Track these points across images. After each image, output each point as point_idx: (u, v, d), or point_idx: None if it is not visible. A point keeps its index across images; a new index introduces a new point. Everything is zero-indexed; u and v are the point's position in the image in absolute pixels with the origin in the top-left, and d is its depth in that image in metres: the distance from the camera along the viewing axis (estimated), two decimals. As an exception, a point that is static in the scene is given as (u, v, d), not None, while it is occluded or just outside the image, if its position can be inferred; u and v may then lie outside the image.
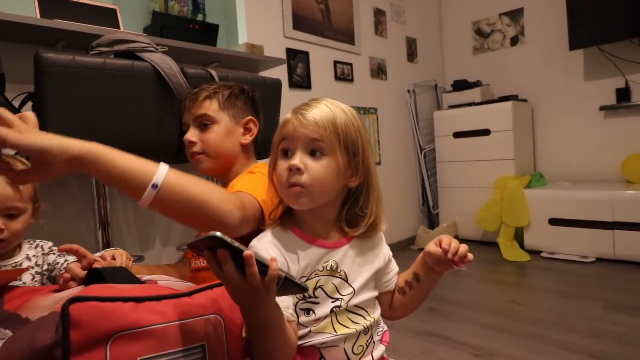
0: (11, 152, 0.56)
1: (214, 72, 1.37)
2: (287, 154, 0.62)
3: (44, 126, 1.03)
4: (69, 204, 1.50)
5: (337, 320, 0.62)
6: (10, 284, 0.80)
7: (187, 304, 0.54)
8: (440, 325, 1.67)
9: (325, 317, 0.61)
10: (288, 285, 0.49)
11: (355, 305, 0.64)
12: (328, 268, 0.62)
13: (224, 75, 1.38)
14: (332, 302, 0.62)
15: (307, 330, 0.61)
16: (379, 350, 0.66)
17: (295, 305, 0.61)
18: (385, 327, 0.70)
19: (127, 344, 0.46)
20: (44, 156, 0.54)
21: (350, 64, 2.74)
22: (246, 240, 0.71)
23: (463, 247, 0.62)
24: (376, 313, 0.67)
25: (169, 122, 1.28)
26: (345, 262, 0.64)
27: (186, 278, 0.98)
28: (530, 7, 3.12)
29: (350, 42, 2.74)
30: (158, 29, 1.79)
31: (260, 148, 1.04)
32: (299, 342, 0.60)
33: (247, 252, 0.45)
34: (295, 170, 0.59)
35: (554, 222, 2.57)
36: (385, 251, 0.70)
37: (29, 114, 0.58)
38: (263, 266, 0.47)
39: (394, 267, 0.72)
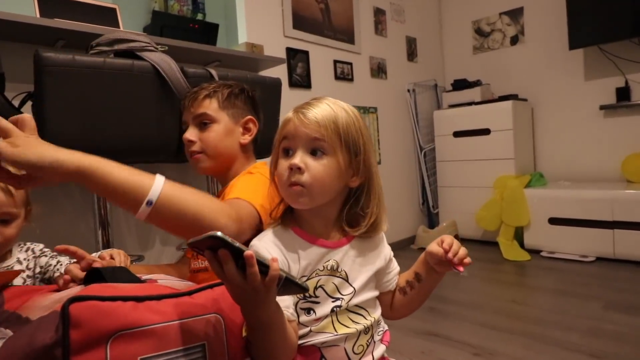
0: None
1: (213, 72, 1.37)
2: (288, 153, 0.62)
3: (43, 126, 1.03)
4: (69, 203, 1.50)
5: (337, 319, 0.62)
6: (20, 275, 0.80)
7: (187, 304, 0.54)
8: (441, 325, 1.67)
9: (326, 316, 0.61)
10: (289, 285, 0.49)
11: (356, 305, 0.64)
12: (329, 268, 0.62)
13: (224, 74, 1.38)
14: (333, 301, 0.62)
15: (307, 329, 0.61)
16: (380, 349, 0.66)
17: (296, 305, 0.61)
18: (386, 327, 0.70)
19: (128, 344, 0.46)
20: (38, 172, 0.55)
21: (350, 64, 2.74)
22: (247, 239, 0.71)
23: (463, 250, 0.62)
24: (377, 313, 0.67)
25: (169, 121, 1.27)
26: (346, 261, 0.64)
27: (185, 278, 0.98)
28: (531, 7, 3.12)
29: (350, 41, 2.74)
30: (158, 29, 1.79)
31: (260, 147, 1.04)
32: (300, 342, 0.60)
33: (248, 252, 0.45)
34: (296, 170, 0.59)
35: (554, 221, 2.57)
36: (386, 251, 0.70)
37: (26, 117, 0.58)
38: (264, 266, 0.47)
39: (395, 267, 0.72)
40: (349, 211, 0.65)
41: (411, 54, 3.27)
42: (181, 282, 0.71)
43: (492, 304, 1.88)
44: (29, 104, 1.22)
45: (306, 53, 2.45)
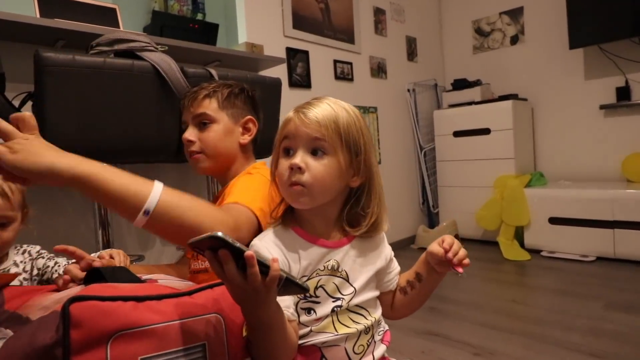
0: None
1: (213, 72, 1.37)
2: (288, 152, 0.62)
3: (44, 126, 1.03)
4: (70, 204, 1.50)
5: (338, 319, 0.62)
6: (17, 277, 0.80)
7: (187, 303, 0.54)
8: (441, 325, 1.67)
9: (326, 316, 0.61)
10: (289, 285, 0.49)
11: (357, 305, 0.64)
12: (329, 267, 0.62)
13: (224, 74, 1.38)
14: (333, 301, 0.62)
15: (307, 329, 0.61)
16: (380, 349, 0.66)
17: (296, 305, 0.61)
18: (387, 327, 0.70)
19: (128, 344, 0.46)
20: (36, 180, 0.55)
21: (350, 63, 2.74)
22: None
23: (463, 251, 0.63)
24: (377, 313, 0.67)
25: (169, 121, 1.27)
26: (347, 261, 0.64)
27: (185, 279, 0.98)
28: (530, 6, 3.12)
29: (350, 41, 2.74)
30: (158, 29, 1.79)
31: (260, 147, 1.04)
32: (300, 342, 0.60)
33: (248, 252, 0.45)
34: (296, 169, 0.59)
35: (554, 221, 2.57)
36: (386, 251, 0.70)
37: (27, 115, 0.58)
38: (264, 266, 0.47)
39: (396, 266, 0.72)
40: (350, 211, 0.65)
41: (411, 54, 3.27)
42: (181, 282, 0.71)
43: (493, 304, 1.88)
44: (29, 104, 1.22)
45: (306, 53, 2.45)
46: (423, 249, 2.95)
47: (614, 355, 1.34)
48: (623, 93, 2.71)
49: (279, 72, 2.19)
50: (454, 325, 1.66)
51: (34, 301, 0.59)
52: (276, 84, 1.57)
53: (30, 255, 0.89)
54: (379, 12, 2.98)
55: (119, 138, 1.19)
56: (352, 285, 0.63)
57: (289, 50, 2.35)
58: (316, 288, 0.61)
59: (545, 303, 1.86)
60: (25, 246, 0.91)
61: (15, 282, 0.83)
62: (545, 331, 1.55)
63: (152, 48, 1.29)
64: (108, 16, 1.63)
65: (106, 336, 0.45)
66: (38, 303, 0.57)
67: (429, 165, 3.24)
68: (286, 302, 0.59)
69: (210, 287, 0.58)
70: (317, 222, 0.64)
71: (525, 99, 3.08)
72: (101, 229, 1.37)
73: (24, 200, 0.87)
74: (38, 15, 1.42)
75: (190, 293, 0.56)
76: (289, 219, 0.65)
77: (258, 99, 1.04)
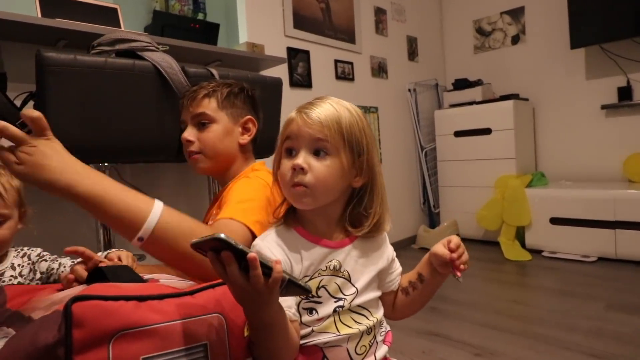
0: (6, 144, 0.57)
1: (214, 71, 1.37)
2: (291, 153, 0.62)
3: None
4: (71, 203, 1.50)
5: (340, 320, 0.61)
6: (10, 280, 0.80)
7: (189, 303, 0.54)
8: (442, 325, 1.67)
9: (328, 316, 0.61)
10: (291, 286, 0.49)
11: (359, 306, 0.63)
12: (331, 268, 0.62)
13: (225, 74, 1.38)
14: (335, 302, 0.62)
15: (309, 329, 0.61)
16: (382, 350, 0.66)
17: (298, 305, 0.61)
18: (388, 328, 0.70)
19: (130, 343, 0.46)
20: (41, 189, 0.58)
21: (351, 63, 2.74)
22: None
23: (466, 255, 0.63)
24: (379, 313, 0.67)
25: (170, 121, 1.27)
26: (349, 262, 0.64)
27: (186, 278, 0.98)
28: (532, 6, 3.11)
29: (350, 41, 2.74)
30: (159, 28, 1.79)
31: (261, 147, 1.04)
32: (302, 342, 0.60)
33: (251, 254, 0.45)
34: (299, 170, 0.59)
35: (555, 221, 2.57)
36: (388, 251, 0.70)
37: (36, 117, 0.57)
38: (267, 268, 0.47)
39: (398, 267, 0.71)
40: (352, 211, 0.65)
41: (412, 54, 3.26)
42: (183, 282, 0.71)
43: (493, 304, 1.88)
44: (31, 103, 1.22)
45: (307, 53, 2.45)
46: (424, 249, 2.97)
47: (615, 356, 1.34)
48: (625, 93, 2.71)
49: (280, 72, 2.19)
50: (455, 326, 1.66)
51: (36, 300, 0.59)
52: (277, 83, 1.57)
53: (29, 259, 0.88)
54: (379, 12, 2.98)
55: (120, 138, 1.19)
56: (354, 286, 0.63)
57: (290, 50, 2.35)
58: (318, 288, 0.61)
59: (546, 303, 1.86)
60: (25, 249, 0.90)
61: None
62: (547, 331, 1.55)
63: (154, 48, 1.29)
64: (109, 16, 1.63)
65: (108, 336, 0.45)
66: (40, 302, 0.57)
67: (429, 165, 3.24)
68: (288, 302, 0.59)
69: (212, 286, 0.58)
70: (319, 222, 0.64)
71: (526, 99, 3.08)
72: (102, 228, 1.37)
73: (21, 199, 0.86)
74: (40, 15, 1.42)
75: (191, 293, 0.56)
76: (291, 219, 0.65)
77: (258, 99, 1.03)
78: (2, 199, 0.80)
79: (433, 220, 3.28)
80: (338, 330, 0.61)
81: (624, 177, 2.73)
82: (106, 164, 1.31)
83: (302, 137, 0.60)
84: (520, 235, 2.74)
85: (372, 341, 0.64)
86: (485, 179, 2.93)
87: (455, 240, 0.63)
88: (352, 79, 2.75)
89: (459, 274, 0.63)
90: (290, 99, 2.13)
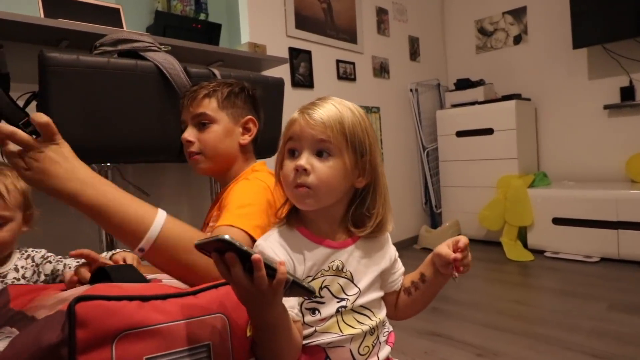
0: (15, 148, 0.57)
1: (216, 72, 1.37)
2: (293, 154, 0.62)
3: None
4: (73, 203, 1.50)
5: (343, 320, 0.61)
6: (13, 282, 0.80)
7: (192, 303, 0.54)
8: (444, 325, 1.67)
9: (331, 317, 0.61)
10: (295, 287, 0.49)
11: (361, 306, 0.63)
12: (334, 268, 0.62)
13: (227, 74, 1.38)
14: (338, 302, 0.61)
15: (312, 330, 0.60)
16: (385, 351, 0.66)
17: (301, 305, 0.61)
18: (391, 328, 0.70)
19: (133, 343, 0.46)
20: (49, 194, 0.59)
21: (353, 63, 2.74)
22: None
23: (469, 258, 0.64)
24: (382, 313, 0.67)
25: (172, 121, 1.28)
26: (351, 262, 0.64)
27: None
28: (534, 6, 3.11)
29: (352, 41, 2.74)
30: (161, 29, 1.79)
31: (263, 147, 1.04)
32: (304, 342, 0.60)
33: (255, 256, 0.45)
34: (301, 171, 0.59)
35: (557, 221, 2.56)
36: (391, 251, 0.70)
37: (44, 122, 0.57)
38: (271, 269, 0.47)
39: (400, 267, 0.71)
40: (355, 212, 0.65)
41: (414, 54, 3.26)
42: (185, 282, 0.71)
43: (495, 304, 1.87)
44: (33, 103, 1.22)
45: (309, 53, 2.45)
46: (426, 249, 2.97)
47: (617, 356, 1.34)
48: (627, 93, 2.70)
49: (282, 72, 2.19)
50: (457, 326, 1.66)
51: (39, 300, 0.59)
52: (279, 84, 1.57)
53: (33, 261, 0.87)
54: (381, 12, 2.98)
55: (122, 138, 1.19)
56: (356, 286, 0.63)
57: (292, 50, 2.35)
58: (321, 288, 0.61)
59: (549, 304, 1.85)
60: (30, 250, 0.89)
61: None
62: (549, 332, 1.54)
63: (156, 48, 1.30)
64: (112, 16, 1.63)
65: (112, 336, 0.45)
66: (43, 302, 0.57)
67: (431, 165, 3.24)
68: (290, 303, 0.59)
69: (215, 287, 0.58)
70: (322, 222, 0.64)
71: (528, 99, 3.07)
72: (105, 228, 1.37)
73: (27, 201, 0.85)
74: (42, 16, 1.43)
75: (194, 293, 0.56)
76: (294, 219, 0.65)
77: (259, 98, 1.02)
78: (3, 200, 0.80)
79: (435, 220, 3.27)
80: (341, 331, 0.61)
81: (626, 177, 2.72)
82: (108, 164, 1.32)
83: (305, 138, 0.60)
84: (522, 235, 2.74)
85: (375, 342, 0.64)
86: (487, 179, 2.93)
87: (463, 240, 0.63)
88: (354, 79, 2.75)
89: (456, 273, 0.63)
90: (292, 99, 2.14)
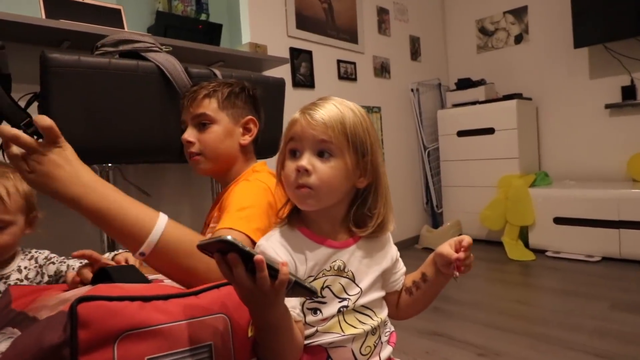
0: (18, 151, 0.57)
1: (217, 72, 1.37)
2: (295, 154, 0.62)
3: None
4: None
5: (344, 320, 0.61)
6: (16, 283, 0.80)
7: (193, 303, 0.54)
8: (445, 325, 1.67)
9: (333, 317, 0.61)
10: (297, 288, 0.50)
11: (363, 306, 0.63)
12: (335, 268, 0.62)
13: (228, 74, 1.38)
14: (340, 302, 0.61)
15: (314, 330, 0.60)
16: (387, 351, 0.66)
17: (303, 305, 0.61)
18: (392, 328, 0.70)
19: (135, 343, 0.46)
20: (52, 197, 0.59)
21: (354, 63, 2.74)
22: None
23: (471, 259, 0.64)
24: (383, 313, 0.67)
25: (173, 122, 1.27)
26: (353, 262, 0.64)
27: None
28: (535, 5, 3.10)
29: (353, 41, 2.73)
30: (162, 29, 1.79)
31: (264, 148, 1.04)
32: (306, 342, 0.60)
33: (258, 257, 0.45)
34: (303, 172, 0.59)
35: (559, 221, 2.56)
36: (392, 251, 0.70)
37: (47, 125, 0.57)
38: (273, 270, 0.47)
39: (401, 267, 0.71)
40: (356, 212, 0.65)
41: (415, 53, 3.26)
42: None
43: (497, 304, 1.87)
44: (34, 104, 1.23)
45: (309, 53, 2.45)
46: (427, 249, 2.96)
47: (619, 356, 1.34)
48: (628, 92, 2.69)
49: (283, 72, 2.19)
50: (458, 326, 1.65)
51: (41, 301, 0.59)
52: (280, 84, 1.57)
53: (36, 262, 0.87)
54: (382, 12, 2.97)
55: (124, 138, 1.19)
56: (358, 286, 0.63)
57: (293, 50, 2.35)
58: (322, 288, 0.61)
59: (550, 303, 1.85)
60: (33, 251, 0.89)
61: None
62: (550, 332, 1.54)
63: (157, 49, 1.30)
64: (113, 17, 1.63)
65: (113, 336, 0.45)
66: (45, 303, 0.57)
67: (432, 165, 3.23)
68: (292, 303, 0.59)
69: (217, 287, 0.58)
70: (323, 222, 0.64)
71: (529, 99, 3.06)
72: (106, 229, 1.37)
73: (29, 204, 0.85)
74: (44, 17, 1.43)
75: (196, 293, 0.56)
76: (295, 219, 0.65)
77: (259, 98, 1.02)
78: (4, 204, 0.79)
79: (436, 220, 3.27)
80: (342, 331, 0.61)
81: (628, 176, 2.72)
82: (109, 165, 1.32)
83: (306, 139, 0.60)
84: (523, 235, 2.73)
85: (376, 342, 0.64)
86: (488, 179, 2.92)
87: (467, 240, 0.63)
88: (355, 79, 2.75)
89: (457, 273, 0.63)
90: (293, 99, 2.14)
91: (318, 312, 0.61)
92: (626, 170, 2.72)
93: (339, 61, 2.63)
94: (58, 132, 0.58)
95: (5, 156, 0.57)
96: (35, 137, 0.58)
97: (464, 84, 3.15)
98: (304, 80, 2.41)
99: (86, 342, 0.44)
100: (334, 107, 0.61)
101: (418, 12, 3.30)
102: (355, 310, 0.63)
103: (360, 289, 0.63)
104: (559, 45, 2.98)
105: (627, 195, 2.32)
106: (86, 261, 0.75)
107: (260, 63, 1.95)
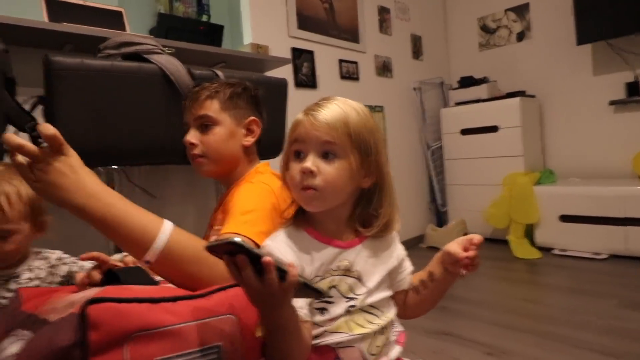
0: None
1: (220, 73, 1.37)
2: (299, 155, 0.61)
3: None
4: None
5: (352, 319, 0.61)
6: (27, 282, 0.80)
7: (202, 305, 0.54)
8: (452, 324, 1.66)
9: (340, 316, 0.61)
10: (305, 289, 0.50)
11: (370, 305, 0.63)
12: (342, 268, 0.62)
13: (230, 75, 1.38)
14: (347, 301, 0.61)
15: (321, 329, 0.60)
16: (395, 351, 0.66)
17: (310, 305, 0.61)
18: (401, 328, 0.69)
19: (145, 345, 0.46)
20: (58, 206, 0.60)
21: (356, 63, 2.73)
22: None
23: (478, 258, 0.63)
24: (391, 313, 0.66)
25: (177, 123, 1.27)
26: (359, 261, 0.64)
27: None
28: (536, 2, 3.09)
29: (354, 40, 2.73)
30: (163, 31, 1.80)
31: (267, 148, 1.03)
32: (314, 342, 0.60)
33: (266, 258, 0.45)
34: (308, 173, 0.59)
35: (565, 218, 2.55)
36: (398, 251, 0.69)
37: (51, 135, 0.57)
38: (282, 271, 0.47)
39: (408, 266, 0.71)
40: (362, 211, 0.65)
41: (416, 52, 3.25)
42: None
43: (504, 303, 1.86)
44: (39, 108, 1.23)
45: (311, 53, 2.45)
46: (432, 247, 2.95)
47: (627, 354, 1.33)
48: (633, 88, 2.68)
49: (285, 72, 2.19)
50: (466, 325, 1.65)
51: (52, 303, 0.59)
52: (282, 84, 1.57)
53: (49, 262, 0.87)
54: (383, 11, 2.97)
55: (128, 140, 1.19)
56: (365, 285, 0.63)
57: (294, 51, 2.35)
58: (329, 288, 0.61)
59: (557, 302, 1.84)
60: (45, 252, 0.89)
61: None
62: (557, 330, 1.53)
63: (159, 50, 1.30)
64: (114, 19, 1.64)
65: (124, 337, 0.45)
66: (55, 305, 0.57)
67: (436, 164, 3.23)
68: (299, 303, 0.58)
69: (224, 288, 0.58)
70: (329, 223, 0.64)
71: (533, 96, 3.05)
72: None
73: (35, 210, 0.84)
74: (46, 20, 1.43)
75: (204, 295, 0.56)
76: (301, 219, 0.65)
77: (261, 98, 1.01)
78: (4, 213, 0.77)
79: (441, 219, 3.26)
80: (350, 330, 0.60)
81: (633, 173, 2.70)
82: (114, 167, 1.32)
83: (310, 140, 0.60)
84: (529, 233, 2.72)
85: (385, 341, 0.64)
86: (492, 177, 2.91)
87: (478, 237, 0.62)
88: (357, 79, 2.74)
89: (464, 271, 0.62)
90: (296, 100, 2.13)
91: (325, 311, 0.61)
92: (631, 167, 2.70)
93: (340, 61, 2.63)
94: (62, 140, 0.58)
95: (13, 165, 0.58)
96: (40, 140, 0.58)
97: (467, 82, 3.15)
98: (306, 81, 2.41)
99: (97, 344, 0.44)
100: (337, 108, 0.61)
101: (419, 11, 3.30)
102: (362, 310, 0.62)
103: (368, 288, 0.63)
104: (562, 42, 2.97)
105: (633, 192, 2.30)
106: (96, 263, 0.75)
107: (262, 64, 1.95)
